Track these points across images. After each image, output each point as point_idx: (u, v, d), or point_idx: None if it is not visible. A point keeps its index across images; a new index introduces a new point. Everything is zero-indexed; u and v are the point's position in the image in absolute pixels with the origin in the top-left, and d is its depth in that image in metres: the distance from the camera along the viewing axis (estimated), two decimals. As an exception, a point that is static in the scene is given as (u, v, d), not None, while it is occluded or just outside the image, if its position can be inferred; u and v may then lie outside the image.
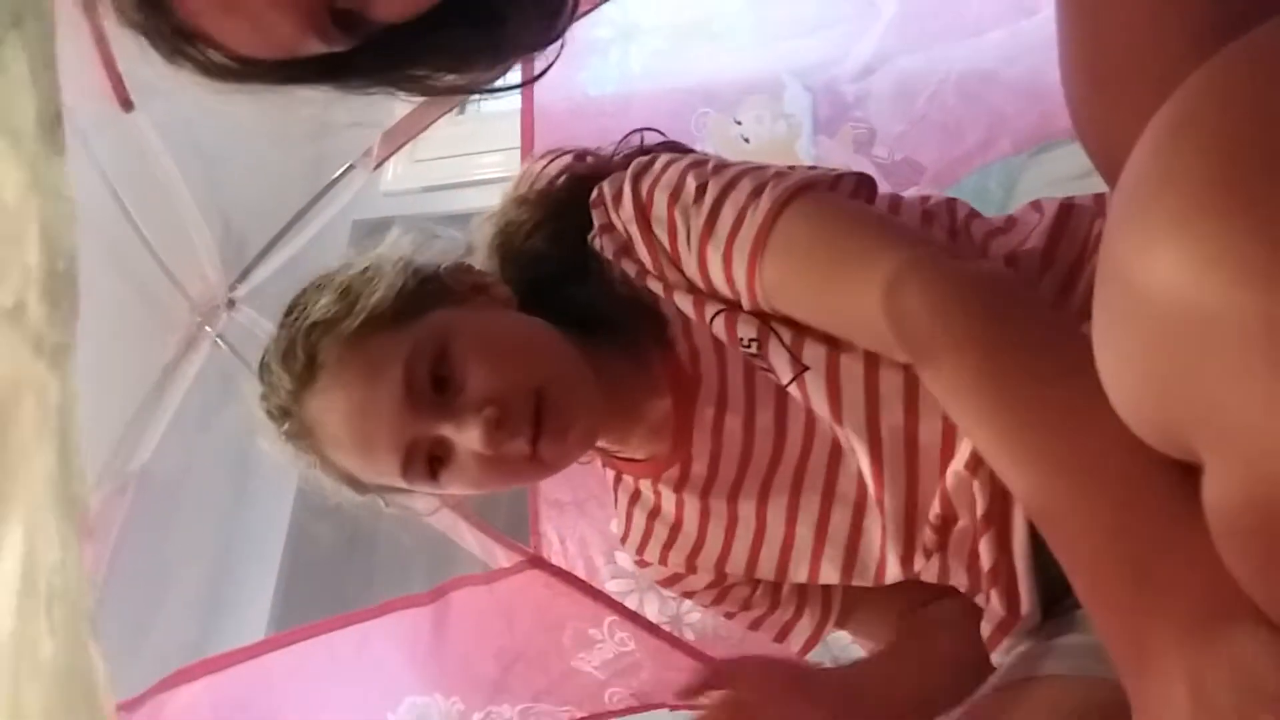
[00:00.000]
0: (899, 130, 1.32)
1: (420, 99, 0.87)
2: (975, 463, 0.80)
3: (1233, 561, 0.47)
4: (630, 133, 1.02)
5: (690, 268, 0.85)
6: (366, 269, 0.91)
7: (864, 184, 0.88)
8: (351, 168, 1.66)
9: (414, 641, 1.43)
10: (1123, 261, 0.44)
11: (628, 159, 0.96)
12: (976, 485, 0.80)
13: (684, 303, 0.86)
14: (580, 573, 1.46)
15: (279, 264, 1.69)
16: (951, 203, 0.94)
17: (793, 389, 0.84)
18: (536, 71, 0.98)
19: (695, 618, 1.43)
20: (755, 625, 1.04)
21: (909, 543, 0.87)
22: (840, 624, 1.03)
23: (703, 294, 0.86)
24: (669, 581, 1.05)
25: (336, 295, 0.89)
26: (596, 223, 0.91)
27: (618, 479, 1.05)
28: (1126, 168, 0.45)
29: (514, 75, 1.04)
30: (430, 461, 0.87)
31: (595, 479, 1.44)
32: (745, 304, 0.83)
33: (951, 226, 0.90)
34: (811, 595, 1.02)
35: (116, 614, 1.50)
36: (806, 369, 0.82)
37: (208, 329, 1.67)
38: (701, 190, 0.83)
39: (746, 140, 1.36)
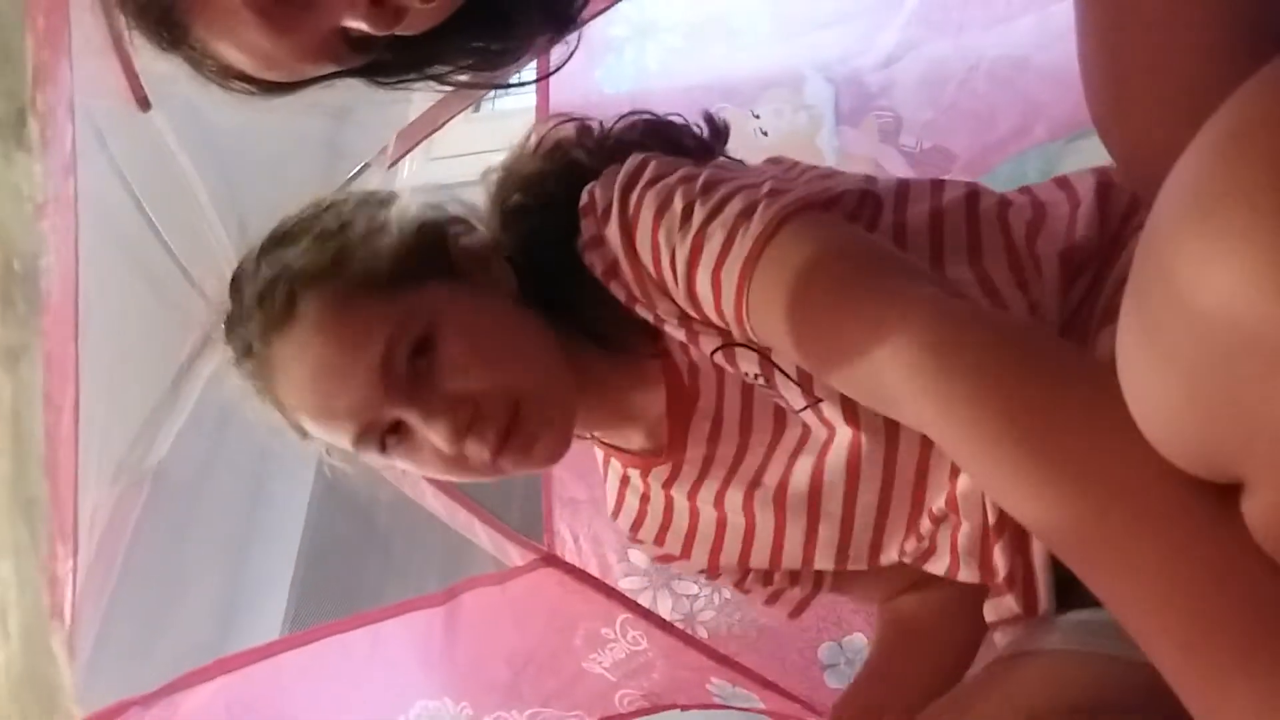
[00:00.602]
0: (927, 118, 1.31)
1: (441, 92, 0.89)
2: None
3: None
4: (627, 114, 0.96)
5: (679, 295, 0.79)
6: (369, 221, 0.87)
7: (866, 201, 0.82)
8: (367, 166, 1.66)
9: (426, 643, 1.43)
10: (1174, 271, 0.41)
11: (620, 144, 0.92)
12: (989, 498, 0.78)
13: (676, 334, 0.82)
14: (594, 570, 1.46)
15: (295, 262, 1.70)
16: (974, 190, 0.86)
17: (807, 415, 0.81)
18: (552, 68, 0.99)
19: (709, 616, 1.43)
20: (745, 593, 1.04)
21: (911, 526, 0.86)
22: (834, 590, 1.04)
23: (695, 326, 0.80)
24: (663, 559, 1.04)
25: (331, 248, 0.85)
26: (585, 234, 0.84)
27: (607, 460, 1.03)
28: (1176, 173, 0.43)
29: (530, 72, 1.04)
30: (384, 437, 0.84)
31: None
32: (736, 334, 0.78)
33: (970, 218, 0.83)
34: (805, 573, 1.01)
35: (131, 612, 1.50)
36: (820, 401, 0.79)
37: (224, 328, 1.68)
38: (689, 211, 0.76)
39: (765, 133, 1.35)
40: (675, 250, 0.77)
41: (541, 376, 0.86)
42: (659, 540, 1.01)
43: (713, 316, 0.78)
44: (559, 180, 0.90)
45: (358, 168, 1.68)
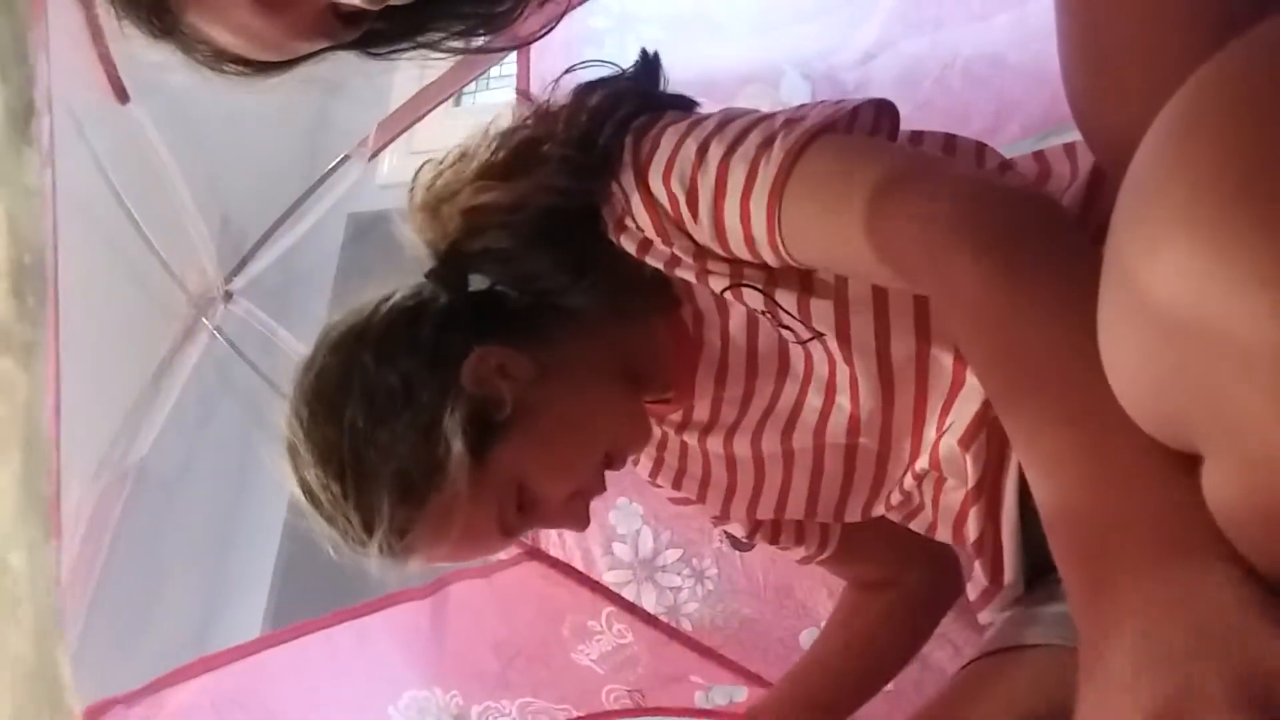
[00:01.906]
0: (903, 116, 1.31)
1: (435, 60, 0.88)
2: (970, 437, 0.80)
3: (1229, 534, 0.47)
4: (576, 92, 0.91)
5: (703, 234, 0.80)
6: (426, 459, 0.85)
7: (884, 111, 0.83)
8: (347, 158, 1.65)
9: (413, 635, 1.43)
10: (1128, 256, 0.43)
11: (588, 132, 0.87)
12: (969, 459, 0.81)
13: (687, 274, 0.84)
14: (578, 564, 1.46)
15: (275, 256, 1.69)
16: (981, 149, 0.90)
17: (814, 349, 0.86)
18: (532, 39, 0.99)
19: (692, 608, 1.43)
20: (753, 542, 1.12)
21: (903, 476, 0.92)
22: (831, 564, 1.12)
23: (709, 265, 0.82)
24: (681, 503, 1.11)
25: (411, 510, 0.85)
26: (599, 192, 0.85)
27: None
28: (1134, 162, 0.44)
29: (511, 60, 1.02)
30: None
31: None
32: (770, 261, 0.79)
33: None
34: (809, 532, 1.07)
35: (114, 608, 1.50)
36: (821, 334, 0.83)
37: (205, 321, 1.67)
38: (703, 150, 0.78)
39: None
40: (698, 186, 0.78)
41: (609, 431, 0.93)
42: (676, 484, 1.07)
43: (740, 248, 0.79)
44: (539, 202, 0.87)
45: (337, 159, 1.67)
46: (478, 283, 0.96)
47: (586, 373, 0.92)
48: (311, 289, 1.82)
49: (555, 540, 1.47)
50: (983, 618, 0.85)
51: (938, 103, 1.28)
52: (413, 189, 0.93)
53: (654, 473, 1.08)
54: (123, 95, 1.48)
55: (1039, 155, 0.89)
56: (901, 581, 1.11)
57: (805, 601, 1.40)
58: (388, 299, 0.92)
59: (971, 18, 1.26)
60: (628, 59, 1.28)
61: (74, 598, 1.30)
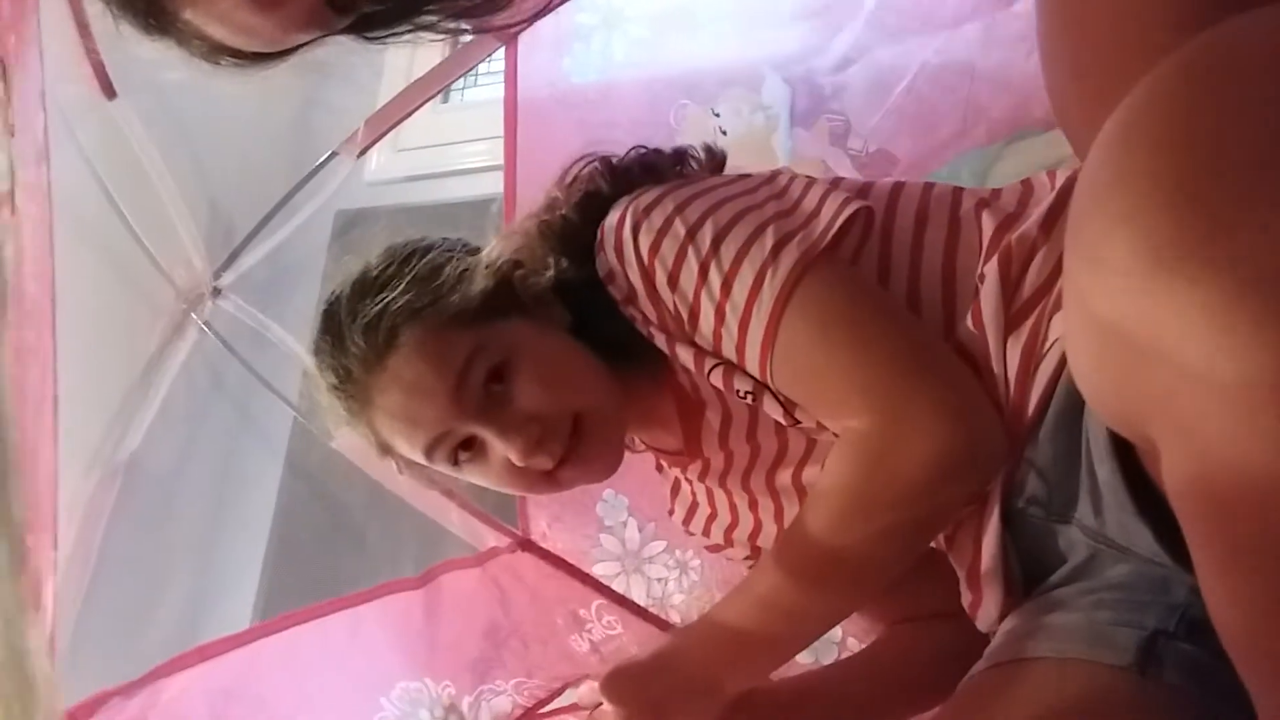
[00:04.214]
0: (874, 122, 1.32)
1: (434, 41, 0.89)
2: None
3: (1186, 525, 0.49)
4: (631, 150, 1.02)
5: (703, 339, 0.88)
6: (457, 266, 0.95)
7: (856, 221, 0.87)
8: (334, 154, 1.65)
9: (405, 626, 1.43)
10: (1073, 269, 0.45)
11: (629, 172, 0.98)
12: None
13: (685, 357, 0.89)
14: (567, 556, 1.47)
15: (265, 252, 1.70)
16: (957, 194, 0.92)
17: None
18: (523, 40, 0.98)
19: (679, 600, 1.44)
20: None
21: None
22: None
23: (703, 351, 0.88)
24: (714, 549, 1.15)
25: (428, 291, 0.93)
26: (601, 270, 0.92)
27: (658, 465, 1.13)
28: (1081, 172, 0.46)
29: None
30: (456, 451, 0.94)
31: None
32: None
33: (952, 219, 0.88)
34: None
35: (107, 602, 1.50)
36: (800, 422, 0.87)
37: (194, 317, 1.68)
38: (704, 271, 0.84)
39: (724, 132, 1.36)
40: (699, 308, 0.86)
41: (599, 398, 0.95)
42: (706, 531, 1.11)
43: (732, 358, 0.87)
44: (580, 213, 0.97)
45: (325, 155, 1.67)
46: None
47: (603, 368, 0.96)
48: (299, 284, 1.82)
49: (545, 531, 1.49)
50: (981, 625, 0.86)
51: (908, 109, 1.30)
52: None
53: (686, 521, 1.12)
54: (110, 91, 1.49)
55: (1026, 182, 0.91)
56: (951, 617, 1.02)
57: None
58: None
59: (942, 26, 1.28)
60: (613, 57, 1.30)
61: (69, 592, 1.31)
